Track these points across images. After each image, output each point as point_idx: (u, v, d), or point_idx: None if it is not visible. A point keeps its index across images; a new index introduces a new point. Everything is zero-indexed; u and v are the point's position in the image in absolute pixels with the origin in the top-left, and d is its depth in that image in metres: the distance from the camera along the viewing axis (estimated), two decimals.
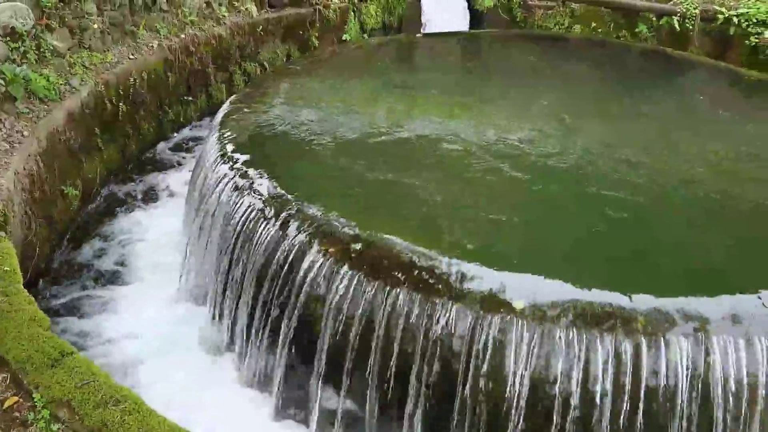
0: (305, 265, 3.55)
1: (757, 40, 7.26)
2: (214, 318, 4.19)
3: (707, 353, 3.02)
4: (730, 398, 3.05)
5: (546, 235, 3.75)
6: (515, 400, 3.07)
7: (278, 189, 3.99)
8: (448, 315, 3.17)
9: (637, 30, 7.88)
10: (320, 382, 3.51)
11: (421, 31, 8.18)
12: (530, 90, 5.93)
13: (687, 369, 3.00)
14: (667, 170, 4.52)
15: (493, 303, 3.14)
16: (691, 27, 7.70)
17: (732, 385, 3.04)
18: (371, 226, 3.61)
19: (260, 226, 3.83)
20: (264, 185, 4.05)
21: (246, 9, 7.39)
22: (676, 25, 7.63)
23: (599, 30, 8.10)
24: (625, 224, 3.88)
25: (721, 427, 3.08)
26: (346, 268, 3.44)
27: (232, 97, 5.56)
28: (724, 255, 3.67)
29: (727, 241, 3.80)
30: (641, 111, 5.58)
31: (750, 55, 7.33)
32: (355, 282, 3.38)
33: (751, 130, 5.26)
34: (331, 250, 3.52)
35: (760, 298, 3.23)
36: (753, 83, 6.39)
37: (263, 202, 3.93)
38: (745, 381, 3.05)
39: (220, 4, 7.18)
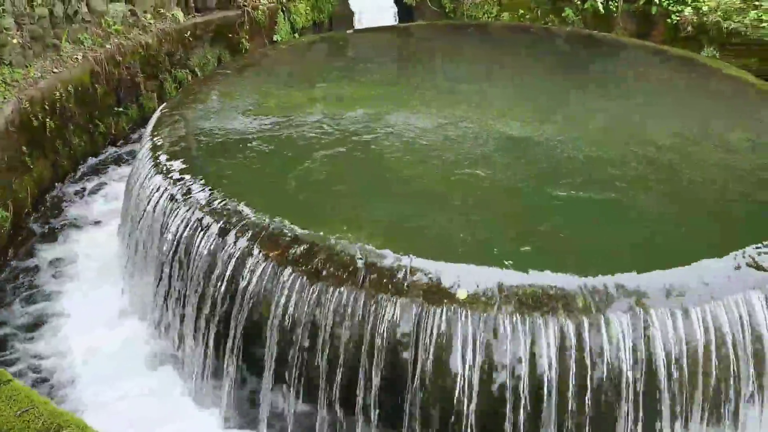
0: (247, 271, 3.51)
1: (678, 18, 7.49)
2: (158, 331, 4.12)
3: (646, 327, 3.10)
4: (673, 369, 3.14)
5: (483, 223, 3.78)
6: (465, 389, 3.10)
7: (215, 196, 3.93)
8: (393, 310, 3.18)
9: (563, 14, 8.04)
10: (269, 386, 3.48)
11: (352, 27, 8.18)
12: (464, 79, 5.97)
13: (628, 344, 3.07)
14: (599, 150, 4.62)
15: (436, 295, 3.16)
16: (614, 9, 7.88)
17: (673, 356, 3.13)
18: (312, 227, 3.59)
19: (198, 236, 3.77)
20: (200, 194, 3.99)
21: (172, 15, 7.26)
22: (600, 8, 7.80)
23: (527, 16, 8.24)
24: (559, 206, 3.95)
25: (667, 397, 3.17)
26: (288, 271, 3.42)
27: (163, 105, 5.46)
28: (657, 230, 3.78)
29: (659, 216, 3.91)
30: (569, 94, 5.69)
31: (672, 33, 7.55)
32: (298, 284, 3.36)
33: (678, 106, 5.42)
34: (272, 254, 3.50)
35: (693, 269, 3.35)
36: (677, 59, 6.57)
37: (200, 210, 3.87)
38: (685, 351, 3.15)
39: (144, 12, 7.04)
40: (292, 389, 3.45)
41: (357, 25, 8.25)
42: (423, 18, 8.49)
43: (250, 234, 3.60)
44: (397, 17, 8.51)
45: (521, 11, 8.26)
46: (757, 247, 3.49)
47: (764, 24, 6.85)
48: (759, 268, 3.39)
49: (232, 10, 7.83)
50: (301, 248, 3.47)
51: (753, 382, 3.27)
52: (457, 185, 4.16)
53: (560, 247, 3.59)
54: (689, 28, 7.32)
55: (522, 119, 5.02)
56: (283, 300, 3.36)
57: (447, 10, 8.60)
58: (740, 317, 3.21)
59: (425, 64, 6.50)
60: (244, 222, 3.69)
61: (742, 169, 4.41)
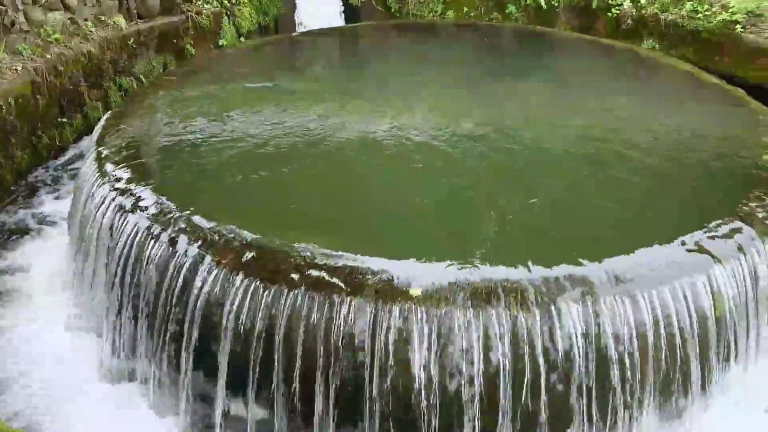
0: (199, 279, 3.47)
1: (618, 12, 7.65)
2: (112, 347, 4.04)
3: (597, 315, 3.17)
4: (625, 355, 3.22)
5: (432, 219, 3.82)
6: (423, 385, 3.12)
7: (164, 204, 3.88)
8: (347, 311, 3.18)
9: (507, 11, 8.14)
10: (226, 394, 3.46)
11: (298, 29, 8.15)
12: (410, 78, 6.02)
13: (580, 332, 3.14)
14: (545, 143, 4.71)
15: (390, 293, 3.18)
16: (557, 3, 8.01)
17: (623, 342, 3.21)
18: (264, 231, 3.58)
19: (148, 245, 3.72)
20: (148, 202, 3.93)
21: (114, 22, 7.13)
22: (542, 3, 7.92)
23: (471, 14, 8.32)
24: (506, 199, 4.01)
25: (618, 382, 3.24)
26: (241, 276, 3.39)
27: (108, 114, 5.37)
28: (604, 219, 3.87)
29: (604, 205, 4.01)
30: (516, 89, 5.76)
31: (614, 26, 7.72)
32: (251, 290, 3.34)
33: (620, 98, 5.55)
34: (224, 260, 3.47)
35: (641, 256, 3.44)
36: (619, 51, 6.71)
37: (149, 219, 3.81)
38: (635, 336, 3.23)
39: (85, 20, 6.89)
40: (249, 396, 3.43)
41: (303, 28, 8.23)
42: (369, 18, 8.51)
43: (200, 241, 3.57)
44: (343, 18, 8.51)
45: (465, 9, 8.35)
46: (703, 232, 3.60)
47: (699, 15, 7.04)
48: (703, 252, 3.50)
49: (175, 15, 7.72)
50: (254, 253, 3.45)
51: (698, 365, 3.36)
52: (409, 185, 4.20)
53: (512, 240, 3.64)
54: (629, 21, 7.49)
55: (473, 116, 5.06)
56: (236, 306, 3.34)
57: (393, 10, 8.64)
58: (686, 301, 3.30)
59: (374, 65, 6.52)
60: (195, 229, 3.65)
61: (685, 155, 4.54)
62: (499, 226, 3.73)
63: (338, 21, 8.41)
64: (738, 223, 3.68)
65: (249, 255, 3.44)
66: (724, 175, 4.32)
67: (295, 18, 8.37)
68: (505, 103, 5.41)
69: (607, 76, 6.18)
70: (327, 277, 3.28)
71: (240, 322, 3.35)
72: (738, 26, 6.80)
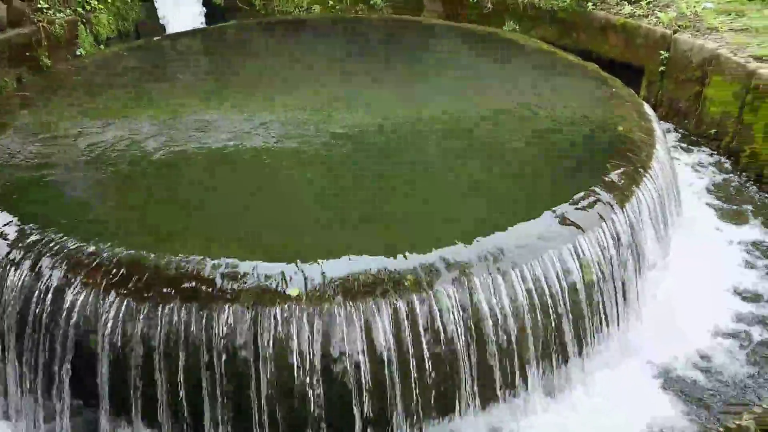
0: (67, 303, 3.30)
1: None
2: None
3: (472, 294, 3.25)
4: (500, 330, 3.32)
5: (306, 216, 3.81)
6: (309, 384, 3.10)
7: (24, 228, 3.66)
8: (227, 319, 3.11)
9: (372, 2, 8.19)
10: (108, 419, 3.31)
11: (160, 33, 7.87)
12: (278, 76, 5.96)
13: (458, 314, 3.21)
14: (414, 130, 4.78)
15: (268, 296, 3.14)
16: None
17: (500, 317, 3.31)
18: (133, 246, 3.44)
19: (9, 273, 3.50)
20: (6, 228, 3.70)
21: None
22: None
23: (337, 7, 8.32)
24: (378, 189, 4.06)
25: (499, 357, 3.34)
26: (112, 296, 3.25)
27: None
28: (473, 200, 3.97)
29: (475, 186, 4.11)
30: (386, 79, 5.82)
31: (476, 11, 7.91)
32: (124, 308, 3.21)
33: (483, 81, 5.71)
34: (92, 281, 3.31)
35: (510, 233, 3.54)
36: (482, 35, 6.89)
37: (8, 246, 3.59)
38: (510, 310, 3.34)
39: None
40: (133, 417, 3.30)
41: (166, 31, 7.96)
42: (234, 18, 8.33)
43: (66, 263, 3.39)
44: (206, 19, 8.29)
45: (331, 2, 8.33)
46: (568, 203, 3.76)
47: None
48: (568, 223, 3.66)
49: (26, 26, 7.27)
50: (124, 270, 3.31)
51: (572, 332, 3.52)
52: (279, 185, 4.17)
53: (386, 230, 3.68)
54: (489, 5, 7.70)
55: (346, 111, 5.08)
56: (109, 327, 3.19)
57: (257, 8, 8.51)
58: (556, 272, 3.44)
59: (243, 65, 6.38)
60: (59, 250, 3.46)
61: (548, 131, 4.72)
62: (373, 217, 3.76)
63: (202, 22, 8.19)
64: (599, 193, 3.87)
65: (119, 273, 3.30)
66: (585, 147, 4.53)
67: (157, 21, 8.08)
68: (377, 95, 5.45)
69: (471, 60, 6.33)
70: (203, 287, 3.19)
71: (116, 344, 3.22)
72: (589, 4, 7.14)
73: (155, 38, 7.02)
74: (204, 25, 8.09)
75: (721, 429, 2.67)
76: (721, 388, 3.73)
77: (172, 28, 7.95)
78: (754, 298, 4.37)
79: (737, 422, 2.69)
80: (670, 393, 3.72)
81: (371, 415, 3.19)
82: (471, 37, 6.85)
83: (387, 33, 7.17)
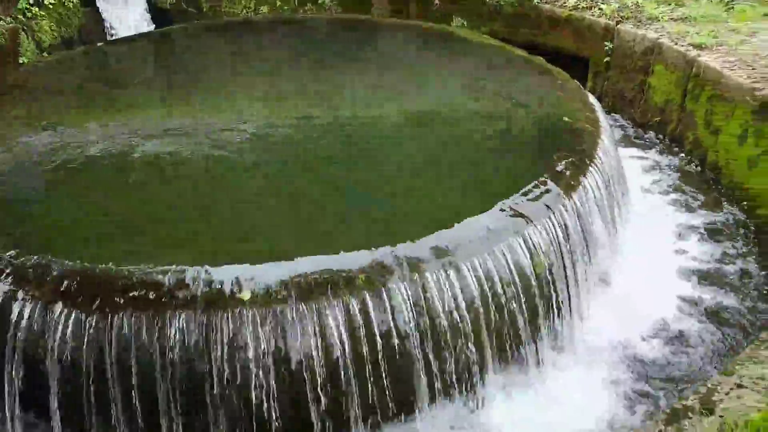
0: (14, 316, 3.23)
1: None
2: None
3: (425, 290, 3.28)
4: (457, 323, 3.35)
5: (257, 218, 3.79)
6: (265, 387, 3.10)
7: None
8: (178, 326, 3.08)
9: (320, 1, 8.17)
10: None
11: (107, 38, 7.73)
12: (229, 79, 5.92)
13: (411, 309, 3.23)
14: (366, 128, 4.80)
15: (220, 301, 3.11)
16: None
17: (454, 312, 3.33)
18: (80, 256, 3.38)
19: None
20: None
21: None
22: None
23: (285, 7, 8.27)
24: (326, 190, 4.07)
25: (456, 350, 3.37)
26: (59, 307, 3.19)
27: None
28: (425, 196, 4.00)
29: (426, 182, 4.14)
30: (336, 79, 5.81)
31: (424, 8, 7.94)
32: (72, 320, 3.15)
33: (432, 77, 5.75)
34: (37, 293, 3.24)
35: (461, 227, 3.57)
36: (430, 32, 6.91)
37: None
38: (464, 304, 3.37)
39: None
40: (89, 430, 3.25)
41: (111, 36, 7.81)
42: (181, 21, 8.21)
43: (9, 276, 3.32)
44: (152, 23, 8.17)
45: (278, 2, 8.28)
46: (518, 195, 3.80)
47: None
48: (517, 215, 3.70)
49: None
50: (71, 280, 3.25)
51: (526, 320, 3.57)
52: (226, 188, 4.16)
53: (337, 229, 3.69)
54: (437, 2, 7.74)
55: (294, 111, 5.06)
56: (58, 340, 3.14)
57: (204, 10, 8.41)
58: (506, 262, 3.49)
59: (191, 69, 6.29)
60: (2, 265, 3.39)
61: (496, 125, 4.78)
62: (323, 217, 3.76)
63: (148, 26, 8.06)
64: (547, 183, 3.93)
65: (66, 284, 3.24)
66: (532, 139, 4.61)
67: (101, 27, 7.93)
68: (328, 95, 5.42)
69: (418, 57, 6.35)
70: (153, 295, 3.16)
71: (66, 357, 3.16)
72: None
73: (99, 44, 6.88)
74: (151, 29, 7.96)
75: (668, 411, 2.73)
76: (672, 369, 3.84)
77: (118, 33, 7.81)
78: (703, 279, 4.50)
79: (683, 403, 2.76)
80: (623, 372, 3.80)
81: (328, 415, 3.19)
82: (419, 35, 6.87)
83: (335, 32, 7.15)
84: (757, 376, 2.86)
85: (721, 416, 2.67)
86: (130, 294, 3.16)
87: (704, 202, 5.28)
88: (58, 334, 3.15)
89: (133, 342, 3.11)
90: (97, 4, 7.95)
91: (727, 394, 2.79)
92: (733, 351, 3.90)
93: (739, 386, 2.81)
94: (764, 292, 4.38)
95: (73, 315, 3.16)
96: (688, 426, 2.65)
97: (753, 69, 5.42)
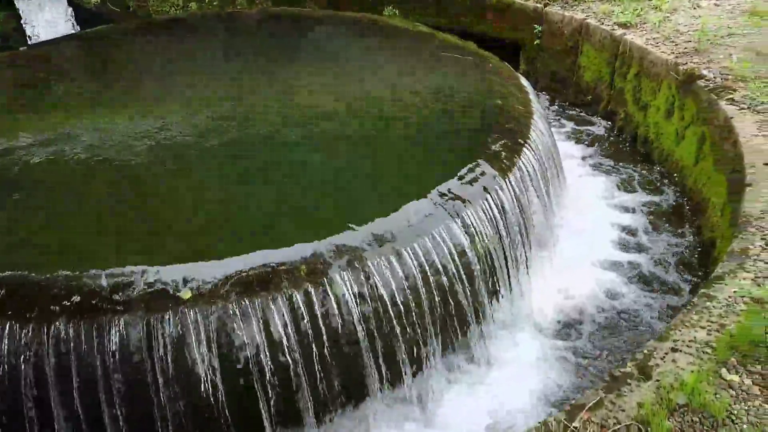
0: None
1: None
2: None
3: (367, 277, 3.29)
4: (401, 308, 3.37)
5: (194, 217, 3.74)
6: (212, 386, 3.06)
7: None
8: (118, 331, 3.02)
9: None
10: None
11: (28, 42, 7.48)
12: (161, 79, 5.81)
13: (354, 297, 3.24)
14: (301, 123, 4.77)
15: (159, 302, 3.07)
16: None
17: (398, 296, 3.36)
18: (11, 265, 3.29)
19: None
20: None
21: None
22: None
23: (215, 3, 8.15)
24: (262, 185, 4.05)
25: (402, 334, 3.39)
26: None
27: None
28: (364, 185, 4.01)
29: (364, 171, 4.16)
30: (266, 72, 5.76)
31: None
32: (6, 332, 3.06)
33: (367, 66, 5.75)
34: None
35: (400, 214, 3.59)
36: (364, 22, 6.91)
37: None
38: (407, 288, 3.40)
39: None
40: None
41: (33, 39, 7.57)
42: (108, 21, 8.01)
43: None
44: (80, 24, 7.94)
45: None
46: (455, 179, 3.86)
47: None
48: (455, 198, 3.75)
49: None
50: (3, 290, 3.15)
51: (470, 300, 3.62)
52: (164, 189, 4.10)
53: (279, 223, 3.67)
54: None
55: (229, 107, 5.02)
56: None
57: (131, 9, 8.23)
58: (446, 245, 3.53)
59: (123, 70, 6.16)
60: None
61: (433, 111, 4.81)
62: (262, 213, 3.74)
63: (71, 28, 7.84)
64: (482, 165, 3.98)
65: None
66: (466, 123, 4.65)
67: (21, 30, 7.67)
68: (263, 91, 5.38)
69: (352, 48, 6.35)
70: (91, 301, 3.09)
71: (2, 368, 3.07)
72: None
73: (21, 48, 6.65)
74: (77, 30, 7.74)
75: (608, 378, 2.81)
76: (611, 337, 3.95)
77: (41, 36, 7.57)
78: (636, 248, 4.64)
79: (621, 370, 2.84)
80: (564, 345, 3.90)
81: (278, 409, 3.18)
82: (351, 25, 6.86)
83: (266, 26, 7.09)
84: (690, 339, 2.96)
85: (657, 380, 2.76)
86: (67, 302, 3.07)
87: (637, 177, 5.43)
88: None
89: (71, 352, 3.02)
90: (17, 5, 7.68)
91: (662, 358, 2.88)
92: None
93: (674, 350, 2.91)
94: (695, 253, 4.54)
95: (7, 327, 3.05)
96: (627, 392, 2.73)
97: (675, 44, 5.59)
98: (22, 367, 3.06)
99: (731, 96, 4.79)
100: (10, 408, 3.13)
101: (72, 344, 3.04)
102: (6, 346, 3.05)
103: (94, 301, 3.08)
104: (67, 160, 4.39)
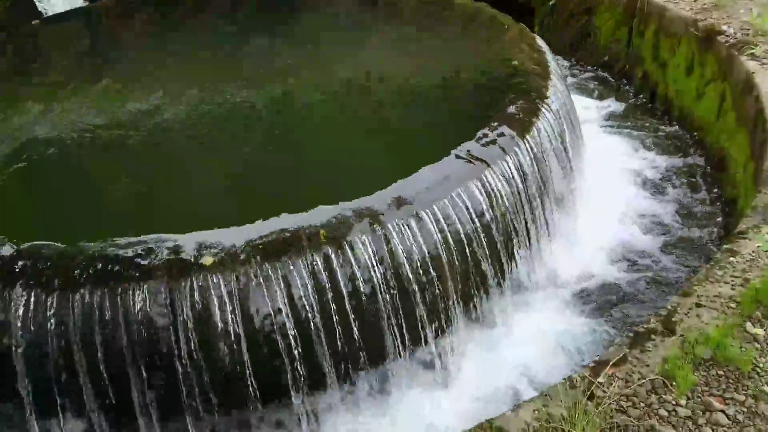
0: None
1: None
2: None
3: (387, 241, 3.28)
4: (420, 271, 3.37)
5: (215, 184, 3.76)
6: (237, 351, 3.09)
7: None
8: (142, 298, 3.04)
9: None
10: (36, 420, 3.21)
11: (39, 17, 7.42)
12: (166, 56, 5.76)
13: (375, 261, 3.23)
14: (315, 90, 4.74)
15: (182, 268, 3.08)
16: None
17: (417, 260, 3.35)
18: (33, 236, 3.32)
19: None
20: None
21: None
22: None
23: None
24: (279, 152, 4.04)
25: (421, 298, 3.40)
26: (18, 290, 3.12)
27: None
28: (384, 149, 4.00)
29: (384, 135, 4.14)
30: (280, 45, 5.70)
31: None
32: (33, 300, 3.09)
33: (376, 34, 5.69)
34: None
35: (418, 175, 3.58)
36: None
37: None
38: (426, 252, 3.39)
39: None
40: (61, 414, 3.21)
41: (44, 14, 7.50)
42: None
43: None
44: None
45: None
46: (474, 141, 3.82)
47: None
48: (474, 159, 3.72)
49: None
50: (27, 261, 3.18)
51: (490, 263, 3.61)
52: (177, 157, 4.11)
53: (298, 188, 3.68)
54: None
55: (243, 81, 4.97)
56: (20, 321, 3.08)
57: None
58: (465, 206, 3.51)
59: (136, 46, 6.11)
60: None
61: (446, 76, 4.76)
62: (282, 177, 3.74)
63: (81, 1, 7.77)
64: (500, 127, 3.94)
65: (22, 264, 3.17)
66: (483, 85, 4.61)
67: (32, 3, 7.60)
68: (277, 67, 5.29)
69: (364, 14, 6.23)
70: (114, 268, 3.11)
71: (31, 338, 3.10)
72: None
73: (34, 22, 6.63)
74: (87, 4, 7.67)
75: (632, 334, 2.81)
76: (635, 297, 3.94)
77: (52, 9, 7.51)
78: (657, 206, 4.62)
79: (645, 326, 2.83)
80: (587, 305, 3.90)
81: (303, 371, 3.20)
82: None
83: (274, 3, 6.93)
84: (714, 294, 2.94)
85: (682, 335, 2.76)
86: (91, 269, 3.10)
87: (656, 136, 5.37)
88: (20, 317, 3.08)
89: (96, 320, 3.05)
90: None
91: (686, 314, 2.87)
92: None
93: (698, 305, 2.89)
94: (718, 209, 4.50)
95: (33, 296, 3.09)
96: (651, 347, 2.72)
97: (694, 0, 5.48)
98: (49, 334, 3.09)
99: (752, 51, 4.70)
100: (38, 380, 3.17)
101: (96, 313, 3.06)
102: (33, 314, 3.08)
103: (118, 269, 3.11)
104: (89, 130, 4.40)
